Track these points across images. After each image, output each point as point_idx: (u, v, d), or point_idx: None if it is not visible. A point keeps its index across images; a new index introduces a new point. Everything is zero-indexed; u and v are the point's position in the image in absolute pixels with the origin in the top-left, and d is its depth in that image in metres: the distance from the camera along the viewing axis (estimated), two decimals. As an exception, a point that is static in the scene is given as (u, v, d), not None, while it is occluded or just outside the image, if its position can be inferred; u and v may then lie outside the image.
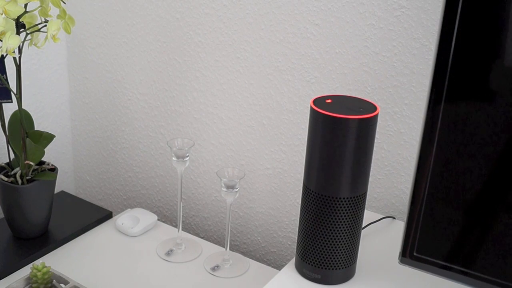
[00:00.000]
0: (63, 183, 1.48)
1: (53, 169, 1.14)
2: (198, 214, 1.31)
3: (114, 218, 1.26)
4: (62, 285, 0.97)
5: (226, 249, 1.10)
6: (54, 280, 0.97)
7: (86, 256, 1.12)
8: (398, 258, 0.72)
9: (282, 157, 1.14)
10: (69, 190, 1.51)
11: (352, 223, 0.76)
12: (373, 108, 0.74)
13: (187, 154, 1.08)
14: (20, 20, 0.99)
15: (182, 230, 1.18)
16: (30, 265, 0.99)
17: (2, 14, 0.92)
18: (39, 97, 1.35)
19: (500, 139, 0.62)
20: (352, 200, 0.75)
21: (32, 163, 1.09)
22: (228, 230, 1.08)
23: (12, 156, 1.13)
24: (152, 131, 1.32)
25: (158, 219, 1.34)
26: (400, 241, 0.71)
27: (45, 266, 0.96)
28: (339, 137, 0.72)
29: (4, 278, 1.05)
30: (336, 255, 0.78)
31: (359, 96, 0.88)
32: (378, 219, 0.96)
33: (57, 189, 1.28)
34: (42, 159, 1.13)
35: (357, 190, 0.75)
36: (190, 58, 1.19)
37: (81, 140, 1.46)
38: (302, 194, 0.78)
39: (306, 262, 0.80)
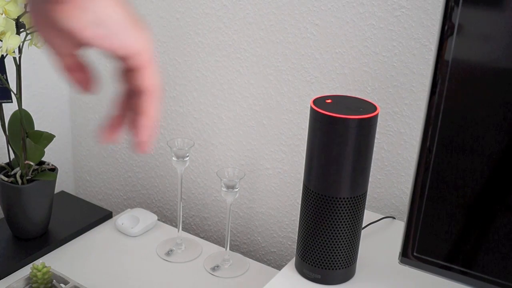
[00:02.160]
0: (63, 183, 1.48)
1: (53, 169, 1.14)
2: (198, 214, 1.31)
3: (114, 218, 1.26)
4: (62, 285, 0.97)
5: (226, 249, 1.10)
6: (54, 280, 0.97)
7: (86, 256, 1.12)
8: (398, 258, 0.72)
9: (282, 157, 1.14)
10: (69, 190, 1.50)
11: (352, 223, 0.76)
12: (373, 108, 0.74)
13: (187, 154, 1.08)
14: (20, 20, 0.99)
15: (182, 230, 1.18)
16: (30, 265, 0.99)
17: (2, 14, 0.92)
18: (39, 97, 1.35)
19: (500, 139, 0.62)
20: (352, 200, 0.75)
21: (32, 163, 1.09)
22: (228, 230, 1.08)
23: (12, 156, 1.13)
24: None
25: (158, 219, 1.34)
26: (400, 241, 0.71)
27: (45, 266, 0.96)
28: (339, 137, 0.72)
29: (4, 278, 1.04)
30: (336, 255, 0.78)
31: (359, 96, 0.88)
32: (378, 219, 0.96)
33: (57, 189, 1.28)
34: (42, 159, 1.13)
35: (357, 190, 0.75)
36: (190, 58, 1.19)
37: (81, 140, 1.46)
38: (302, 194, 0.78)
39: (306, 262, 0.80)
